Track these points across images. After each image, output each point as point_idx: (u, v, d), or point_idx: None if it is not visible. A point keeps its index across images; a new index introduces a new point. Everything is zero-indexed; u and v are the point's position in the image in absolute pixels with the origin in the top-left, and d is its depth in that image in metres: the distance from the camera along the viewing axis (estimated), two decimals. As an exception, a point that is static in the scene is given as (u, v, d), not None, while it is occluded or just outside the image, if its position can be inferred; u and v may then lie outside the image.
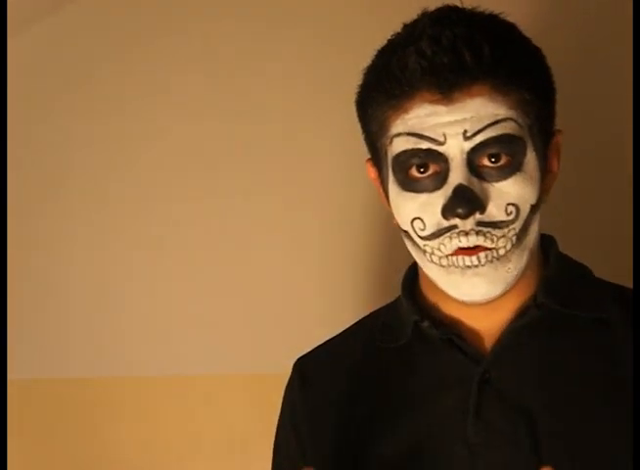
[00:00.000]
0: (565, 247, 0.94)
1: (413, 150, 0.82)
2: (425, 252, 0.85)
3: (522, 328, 0.87)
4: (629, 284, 0.95)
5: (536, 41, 0.87)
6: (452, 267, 0.83)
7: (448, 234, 0.82)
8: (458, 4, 0.88)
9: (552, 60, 0.88)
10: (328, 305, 1.43)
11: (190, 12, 1.53)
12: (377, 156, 0.89)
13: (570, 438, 0.82)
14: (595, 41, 1.36)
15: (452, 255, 0.83)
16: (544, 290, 0.87)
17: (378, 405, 0.90)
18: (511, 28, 0.86)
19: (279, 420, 1.01)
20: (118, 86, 1.55)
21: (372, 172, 0.92)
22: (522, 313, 0.87)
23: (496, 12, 0.87)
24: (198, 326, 1.50)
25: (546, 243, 0.91)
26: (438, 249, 0.83)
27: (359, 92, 0.89)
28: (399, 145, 0.83)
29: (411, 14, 0.87)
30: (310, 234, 1.46)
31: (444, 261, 0.84)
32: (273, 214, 1.47)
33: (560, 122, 0.90)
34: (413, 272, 0.95)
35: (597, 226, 1.34)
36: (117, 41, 1.55)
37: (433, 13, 0.85)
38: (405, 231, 0.87)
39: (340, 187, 1.43)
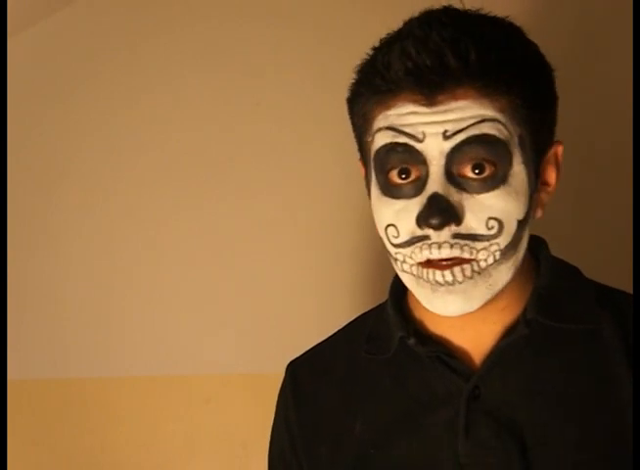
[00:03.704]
0: (565, 250, 0.93)
1: (391, 144, 0.79)
2: (396, 260, 0.82)
3: (510, 345, 0.84)
4: (629, 288, 0.93)
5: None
6: (422, 280, 0.80)
7: (419, 244, 0.79)
8: (458, 4, 0.86)
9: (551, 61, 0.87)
10: (327, 306, 1.43)
11: (187, 14, 1.53)
12: (363, 157, 0.87)
13: (561, 454, 0.81)
14: (594, 43, 1.36)
15: (422, 266, 0.79)
16: (534, 305, 0.84)
17: (372, 420, 0.89)
18: (512, 33, 0.83)
19: (273, 423, 1.00)
20: (118, 87, 1.55)
21: (363, 173, 0.89)
22: (510, 330, 0.85)
23: (501, 14, 0.85)
24: (197, 326, 1.50)
25: (536, 246, 0.88)
26: (410, 257, 0.80)
27: (350, 89, 0.87)
28: (379, 140, 0.81)
29: (412, 13, 0.86)
30: (309, 235, 1.46)
31: (415, 270, 0.81)
32: (273, 216, 1.47)
33: (560, 125, 0.87)
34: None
35: (597, 228, 1.34)
36: (116, 43, 1.55)
37: (424, 14, 0.83)
38: (381, 238, 0.84)
39: (338, 190, 1.43)
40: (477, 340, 0.86)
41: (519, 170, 0.79)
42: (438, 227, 0.77)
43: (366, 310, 1.01)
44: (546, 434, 0.82)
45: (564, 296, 0.87)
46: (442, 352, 0.86)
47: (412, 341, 0.87)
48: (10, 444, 1.33)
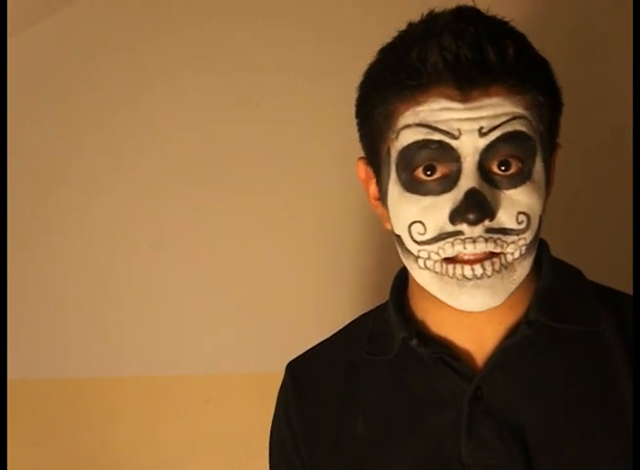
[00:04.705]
0: (565, 250, 0.93)
1: (424, 141, 0.78)
2: (418, 258, 0.81)
3: (513, 346, 0.84)
4: (629, 288, 0.93)
5: (534, 43, 0.86)
6: (446, 277, 0.79)
7: (451, 239, 0.78)
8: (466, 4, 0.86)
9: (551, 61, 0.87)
10: (327, 306, 1.43)
11: (187, 14, 1.53)
12: (376, 155, 0.84)
13: (563, 455, 0.81)
14: (594, 42, 1.36)
15: (447, 262, 0.79)
16: (537, 305, 0.85)
17: (374, 421, 0.88)
18: (524, 36, 0.84)
19: (273, 421, 0.99)
20: (118, 87, 1.55)
21: (362, 172, 0.88)
22: (513, 331, 0.85)
23: (506, 18, 0.85)
24: (197, 326, 1.50)
25: (538, 248, 0.87)
26: (437, 253, 0.79)
27: (362, 87, 0.85)
28: (408, 137, 0.79)
29: (412, 13, 0.86)
30: (309, 235, 1.46)
31: (438, 267, 0.79)
32: (273, 216, 1.47)
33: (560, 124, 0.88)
34: (402, 277, 0.92)
35: (597, 228, 1.34)
36: (116, 43, 1.55)
37: (453, 10, 0.82)
38: (398, 236, 0.82)
39: (338, 190, 1.43)
40: (479, 341, 0.86)
41: (540, 167, 0.80)
42: (475, 222, 0.76)
43: (366, 311, 1.00)
44: (548, 435, 0.82)
45: (565, 296, 0.87)
46: (445, 354, 0.86)
47: (414, 342, 0.87)
48: (10, 444, 1.33)
